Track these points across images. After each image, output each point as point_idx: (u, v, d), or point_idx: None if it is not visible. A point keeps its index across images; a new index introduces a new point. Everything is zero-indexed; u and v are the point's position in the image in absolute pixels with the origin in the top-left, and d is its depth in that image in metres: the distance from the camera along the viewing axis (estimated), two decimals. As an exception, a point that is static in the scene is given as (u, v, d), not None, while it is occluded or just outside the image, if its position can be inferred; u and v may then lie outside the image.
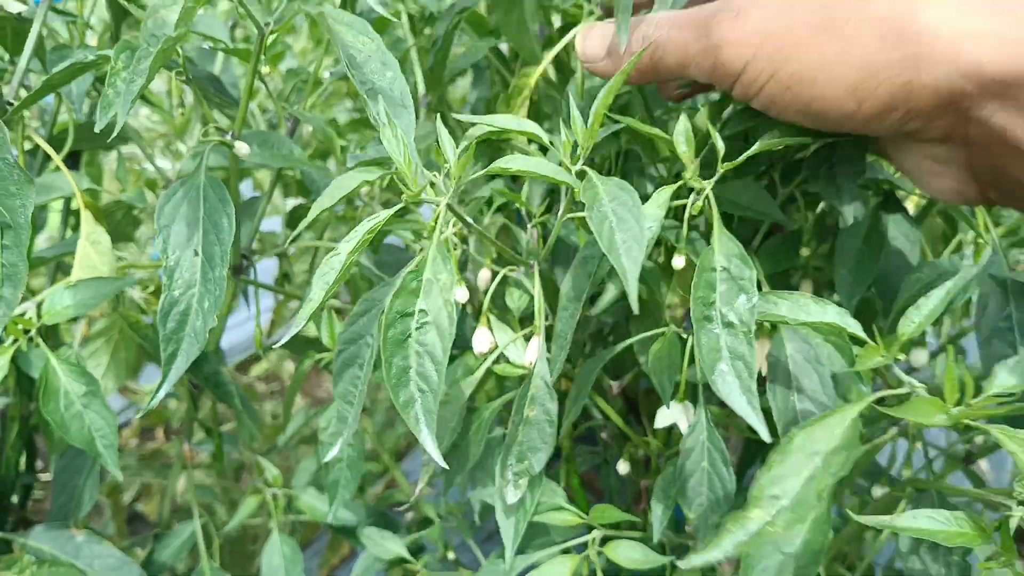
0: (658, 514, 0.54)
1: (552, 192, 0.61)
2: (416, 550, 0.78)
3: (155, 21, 0.43)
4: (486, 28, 0.86)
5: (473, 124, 0.44)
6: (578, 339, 0.67)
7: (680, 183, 0.45)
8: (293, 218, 0.86)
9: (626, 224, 0.38)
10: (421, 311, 0.38)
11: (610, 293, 0.58)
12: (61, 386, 0.56)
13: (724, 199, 0.51)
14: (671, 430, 0.62)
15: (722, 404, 0.49)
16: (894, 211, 0.56)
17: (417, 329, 0.38)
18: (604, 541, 0.55)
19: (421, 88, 0.96)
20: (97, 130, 0.46)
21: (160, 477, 1.16)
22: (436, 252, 0.39)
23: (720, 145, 0.44)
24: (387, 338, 0.38)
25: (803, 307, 0.40)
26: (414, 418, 0.37)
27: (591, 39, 0.48)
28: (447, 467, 0.41)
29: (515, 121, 0.44)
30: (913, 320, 0.39)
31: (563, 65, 0.73)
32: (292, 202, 1.04)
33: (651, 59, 0.45)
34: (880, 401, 0.37)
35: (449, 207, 0.40)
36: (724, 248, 0.40)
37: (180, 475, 0.77)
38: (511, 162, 0.41)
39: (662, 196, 0.43)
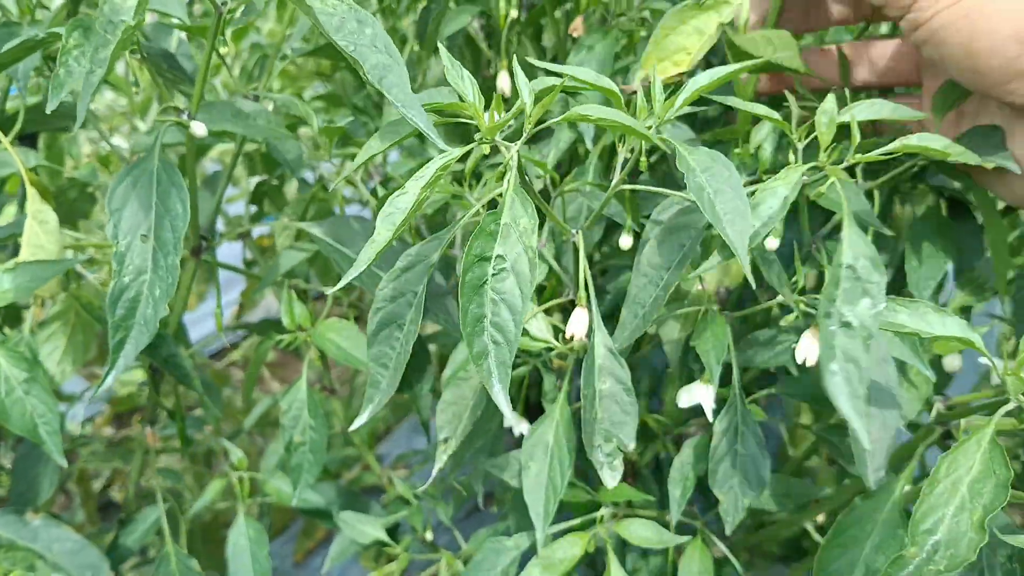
0: (676, 495, 0.54)
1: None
2: (391, 531, 0.78)
3: (112, 6, 0.42)
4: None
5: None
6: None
7: (811, 165, 0.42)
8: (257, 194, 0.85)
9: (724, 195, 0.37)
10: (499, 256, 0.36)
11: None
12: (1, 372, 0.54)
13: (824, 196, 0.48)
14: (682, 409, 0.61)
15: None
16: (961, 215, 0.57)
17: (494, 275, 0.36)
18: (615, 519, 0.55)
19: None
20: (48, 111, 0.45)
21: (129, 464, 1.15)
22: (515, 194, 0.37)
23: (857, 133, 0.43)
24: (465, 282, 0.36)
25: (924, 316, 0.39)
26: (487, 371, 0.36)
27: None
28: (524, 433, 0.38)
29: (593, 75, 0.42)
30: None
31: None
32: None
33: None
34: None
35: (520, 156, 0.38)
36: (854, 246, 0.38)
37: (143, 460, 0.75)
38: (591, 110, 0.38)
39: (792, 175, 0.41)
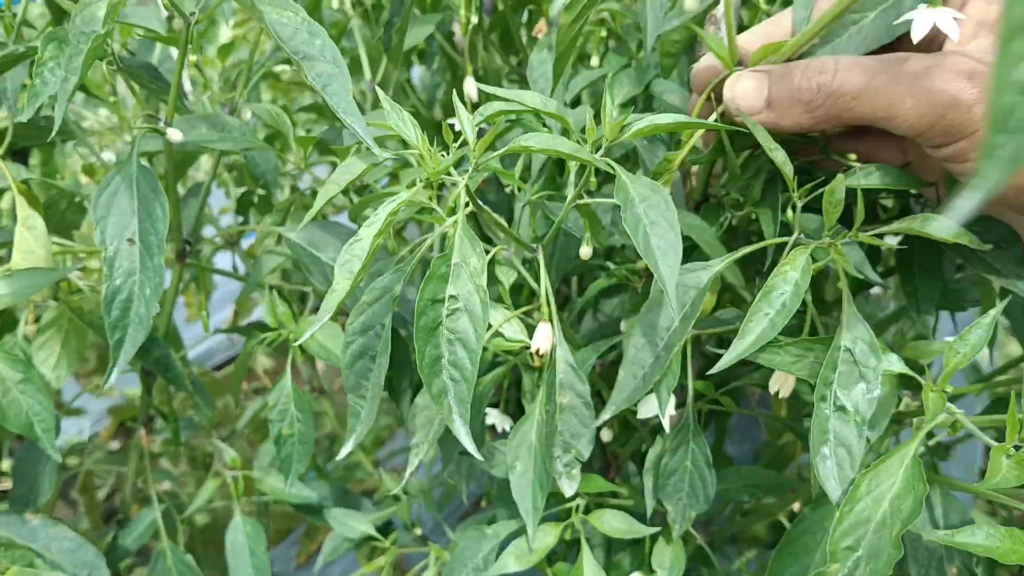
0: (649, 486, 0.55)
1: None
2: (383, 527, 0.80)
3: (83, 17, 0.44)
4: (430, 4, 0.86)
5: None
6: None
7: (815, 245, 0.42)
8: (243, 204, 0.87)
9: (659, 228, 0.37)
10: (451, 297, 0.37)
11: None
12: (-2, 374, 0.57)
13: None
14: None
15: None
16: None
17: (448, 316, 0.37)
18: (587, 510, 0.56)
19: (367, 74, 0.97)
20: (23, 120, 0.47)
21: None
22: (463, 234, 0.38)
23: (861, 210, 0.42)
24: (419, 326, 0.37)
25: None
26: (447, 408, 0.37)
27: (743, 88, 0.45)
28: (482, 458, 0.40)
29: (539, 99, 0.43)
30: (959, 351, 0.39)
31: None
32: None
33: (838, 106, 0.42)
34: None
35: (468, 190, 0.39)
36: (852, 329, 0.39)
37: (138, 462, 0.78)
38: (533, 139, 0.39)
39: (800, 257, 0.41)
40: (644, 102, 0.62)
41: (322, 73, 0.41)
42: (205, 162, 1.10)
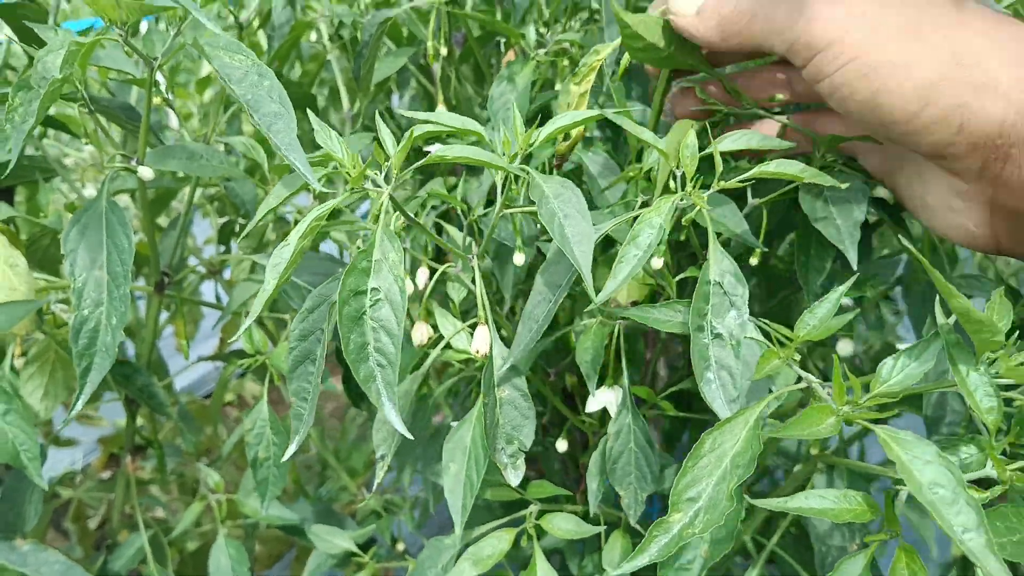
0: (593, 488, 0.58)
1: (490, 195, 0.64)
2: (367, 544, 0.82)
3: (43, 65, 0.47)
4: (406, 38, 0.90)
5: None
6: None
7: (679, 195, 0.46)
8: (224, 234, 0.90)
9: (573, 220, 0.41)
10: (373, 289, 0.40)
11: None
12: (-18, 405, 0.59)
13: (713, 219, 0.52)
14: (605, 411, 0.66)
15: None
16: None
17: (371, 306, 0.40)
18: (541, 515, 0.58)
19: (346, 104, 1.00)
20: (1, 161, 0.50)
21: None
22: (383, 233, 0.41)
23: (719, 162, 0.47)
24: (343, 315, 0.40)
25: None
26: (375, 392, 0.39)
27: None
28: (411, 437, 0.42)
29: (458, 119, 0.46)
30: (808, 323, 0.42)
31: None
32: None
33: (739, 23, 0.47)
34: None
35: (391, 197, 0.42)
36: (719, 264, 0.43)
37: (125, 488, 0.80)
38: (449, 150, 0.43)
39: (664, 205, 0.45)
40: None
41: (268, 113, 0.44)
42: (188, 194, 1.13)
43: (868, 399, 0.38)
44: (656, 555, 0.36)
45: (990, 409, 0.36)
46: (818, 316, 0.42)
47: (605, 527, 0.57)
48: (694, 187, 0.46)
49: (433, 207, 0.73)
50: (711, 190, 0.46)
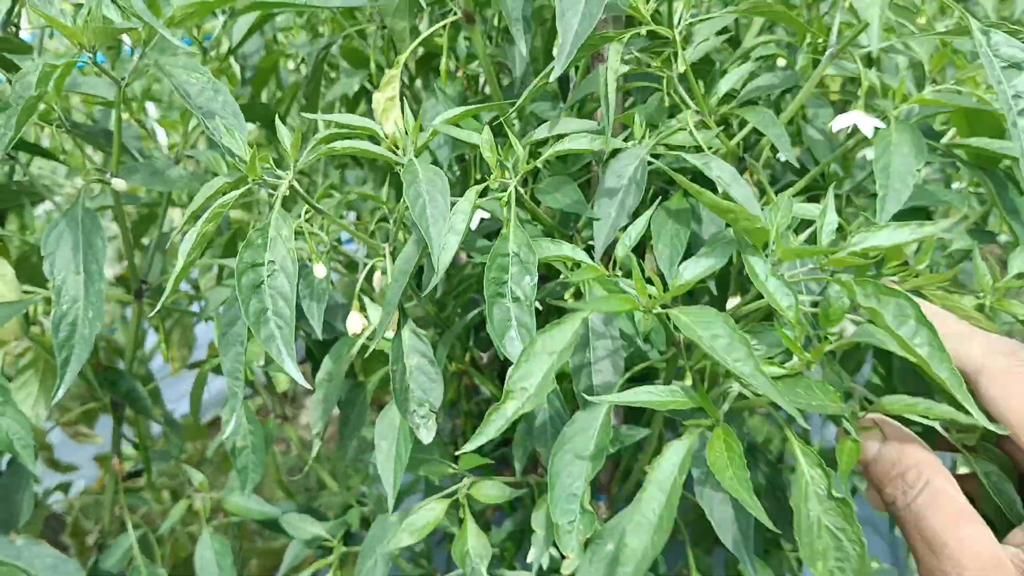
0: (519, 455, 0.63)
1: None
2: (347, 536, 0.86)
3: (21, 84, 0.53)
4: (362, 60, 0.97)
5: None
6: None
7: (486, 184, 0.52)
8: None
9: (436, 202, 0.47)
10: (270, 261, 0.46)
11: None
12: (-22, 399, 0.65)
13: (547, 195, 0.57)
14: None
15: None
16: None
17: (268, 277, 0.46)
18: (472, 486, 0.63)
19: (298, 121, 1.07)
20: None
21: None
22: (278, 213, 0.47)
23: (520, 151, 0.51)
24: (242, 285, 0.45)
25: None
26: (276, 350, 0.45)
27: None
28: (310, 387, 0.49)
29: (359, 120, 0.52)
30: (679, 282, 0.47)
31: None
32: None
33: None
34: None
35: (292, 186, 0.49)
36: (517, 238, 0.49)
37: (114, 489, 0.85)
38: (339, 143, 0.49)
39: (471, 194, 0.51)
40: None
41: (221, 124, 0.50)
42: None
43: (669, 294, 0.44)
44: (493, 433, 0.42)
45: (789, 307, 0.42)
46: (684, 278, 0.46)
47: (527, 488, 0.62)
48: (503, 174, 0.52)
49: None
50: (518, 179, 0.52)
